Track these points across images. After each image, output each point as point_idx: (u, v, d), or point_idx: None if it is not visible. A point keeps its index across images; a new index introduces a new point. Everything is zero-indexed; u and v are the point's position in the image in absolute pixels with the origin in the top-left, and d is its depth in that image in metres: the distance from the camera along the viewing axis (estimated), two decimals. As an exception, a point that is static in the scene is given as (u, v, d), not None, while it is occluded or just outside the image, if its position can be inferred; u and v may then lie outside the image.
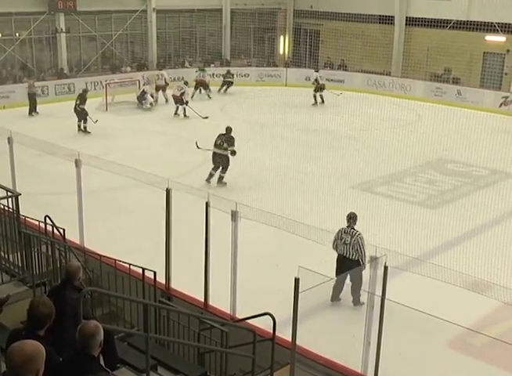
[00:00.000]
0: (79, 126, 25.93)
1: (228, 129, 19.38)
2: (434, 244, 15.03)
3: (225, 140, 19.11)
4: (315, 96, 31.42)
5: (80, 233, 13.08)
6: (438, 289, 10.99)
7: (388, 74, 36.73)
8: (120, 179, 13.63)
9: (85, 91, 27.01)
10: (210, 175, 19.29)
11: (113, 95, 30.83)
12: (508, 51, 32.52)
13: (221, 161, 19.17)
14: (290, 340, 8.59)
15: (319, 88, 31.42)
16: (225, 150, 19.12)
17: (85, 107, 25.89)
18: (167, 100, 31.00)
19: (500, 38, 32.53)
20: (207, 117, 27.83)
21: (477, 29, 32.50)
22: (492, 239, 15.15)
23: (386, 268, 8.52)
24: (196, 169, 20.95)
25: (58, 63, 34.35)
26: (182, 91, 27.17)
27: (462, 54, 33.03)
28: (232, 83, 35.08)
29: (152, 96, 30.97)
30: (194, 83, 32.91)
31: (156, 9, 36.90)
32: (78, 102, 25.91)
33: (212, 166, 19.35)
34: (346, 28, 36.61)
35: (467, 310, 11.44)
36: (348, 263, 11.77)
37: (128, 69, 36.18)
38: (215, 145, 19.19)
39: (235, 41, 41.02)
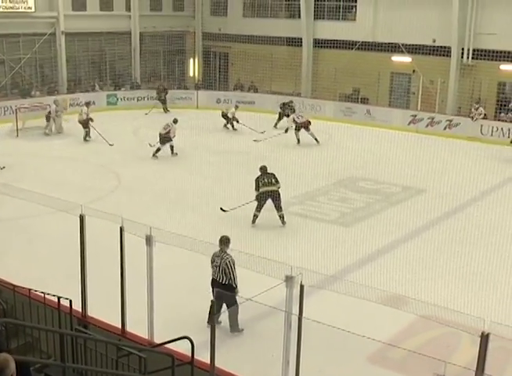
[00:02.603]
0: None
1: (266, 167, 18.46)
2: (349, 261, 15.24)
3: (273, 177, 18.17)
4: (296, 135, 28.56)
5: (-9, 263, 12.82)
6: (355, 305, 11.16)
7: (298, 94, 37.22)
8: (32, 207, 13.38)
9: None
10: (256, 217, 18.15)
11: (23, 120, 30.26)
12: (414, 71, 33.38)
13: (276, 198, 18.01)
14: (208, 362, 8.59)
15: (300, 126, 28.51)
16: (278, 186, 18.12)
17: None
18: (87, 134, 29.04)
19: (406, 59, 33.42)
20: (112, 144, 27.57)
21: (383, 50, 33.41)
22: (405, 254, 15.52)
23: (302, 286, 8.59)
24: (109, 194, 20.80)
25: (-35, 88, 33.65)
26: (168, 129, 25.96)
27: (369, 74, 33.80)
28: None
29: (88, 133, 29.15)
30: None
31: (64, 32, 36.48)
32: None
33: (257, 208, 18.12)
34: (255, 50, 37.05)
35: (385, 325, 11.65)
36: (220, 287, 11.68)
37: (38, 93, 35.62)
38: (266, 184, 17.96)
39: (145, 64, 40.93)
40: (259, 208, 18.04)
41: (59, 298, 9.92)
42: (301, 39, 37.25)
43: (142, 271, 10.41)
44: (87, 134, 28.65)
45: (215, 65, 42.19)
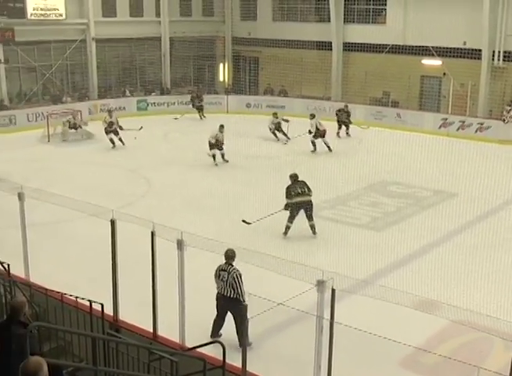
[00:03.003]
0: None
1: (297, 175, 17.91)
2: (380, 266, 15.14)
3: (305, 186, 17.57)
4: (313, 143, 27.74)
5: (25, 267, 12.91)
6: (387, 310, 11.05)
7: (328, 98, 37.18)
8: (64, 211, 13.46)
9: None
10: (288, 228, 17.51)
11: (54, 126, 30.51)
12: (444, 74, 33.15)
13: (309, 208, 17.41)
14: (240, 367, 8.57)
15: (320, 134, 27.65)
16: (311, 195, 17.57)
17: None
18: (123, 143, 28.64)
19: (436, 62, 33.21)
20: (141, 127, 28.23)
21: (413, 53, 33.25)
22: (437, 258, 15.39)
23: (333, 291, 8.57)
24: (140, 199, 20.89)
25: (-3, 94, 33.98)
26: (217, 137, 25.30)
27: (400, 78, 33.63)
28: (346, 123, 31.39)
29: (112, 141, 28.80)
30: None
31: (95, 38, 36.80)
32: None
33: (289, 219, 17.48)
34: (284, 54, 37.05)
35: (417, 330, 11.56)
36: (227, 301, 11.48)
37: (69, 99, 35.91)
38: (299, 194, 17.33)
39: (175, 69, 41.08)
40: (292, 219, 17.42)
41: (90, 302, 9.97)
42: (331, 43, 37.19)
43: (173, 275, 10.43)
44: (111, 141, 28.48)
45: (245, 69, 42.26)
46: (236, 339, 10.99)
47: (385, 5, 35.75)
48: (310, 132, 27.74)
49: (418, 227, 17.88)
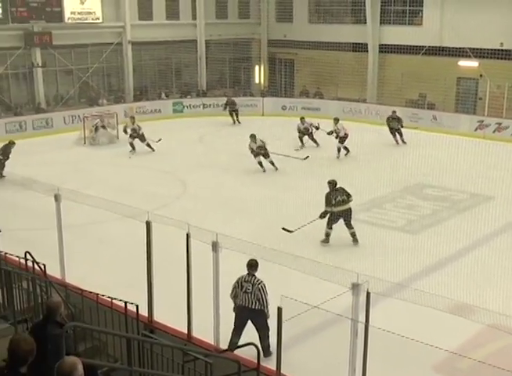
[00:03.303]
0: None
1: (335, 181, 17.41)
2: (415, 269, 15.03)
3: (344, 193, 17.23)
4: (340, 148, 27.17)
5: (61, 268, 13.03)
6: (422, 314, 11.00)
7: (364, 100, 37.05)
8: (99, 213, 13.57)
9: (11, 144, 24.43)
10: (329, 235, 17.24)
11: (90, 128, 30.76)
12: (481, 76, 32.86)
13: (347, 216, 17.11)
14: (274, 369, 8.57)
15: (344, 139, 27.13)
16: (351, 200, 17.26)
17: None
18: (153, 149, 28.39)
19: (473, 63, 32.93)
20: (160, 139, 28.10)
21: (450, 54, 32.95)
22: (473, 262, 15.22)
23: (368, 294, 8.53)
24: (175, 201, 20.98)
25: (35, 97, 34.35)
26: (251, 146, 24.66)
27: (436, 79, 33.35)
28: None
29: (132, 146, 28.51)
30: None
31: (131, 41, 37.08)
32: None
33: (328, 225, 17.17)
34: (320, 56, 36.91)
35: (452, 334, 11.46)
36: (250, 313, 11.19)
37: (105, 102, 36.20)
38: (339, 202, 16.98)
39: (210, 71, 41.20)
40: (331, 225, 17.12)
41: (125, 303, 10.03)
42: (367, 45, 37.08)
43: (208, 277, 10.45)
44: (131, 145, 28.29)
45: (281, 72, 42.26)
46: (274, 340, 10.90)
47: (422, 6, 35.56)
48: (337, 137, 27.32)
49: (454, 230, 17.71)
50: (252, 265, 11.38)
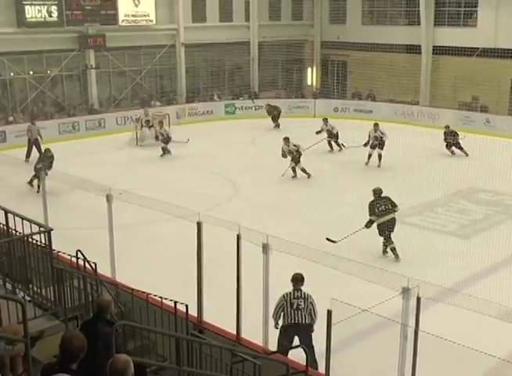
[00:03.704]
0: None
1: (381, 190, 16.80)
2: (467, 274, 14.89)
3: (389, 202, 16.59)
4: (380, 156, 26.22)
5: (111, 267, 13.14)
6: (472, 320, 10.87)
7: (416, 103, 36.74)
8: (150, 213, 13.69)
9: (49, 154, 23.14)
10: (387, 246, 16.55)
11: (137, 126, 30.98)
12: (536, 78, 32.39)
13: (391, 226, 16.47)
14: (323, 372, 8.53)
15: (378, 145, 26.20)
16: (396, 210, 16.63)
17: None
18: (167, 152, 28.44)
19: (528, 65, 32.45)
20: (188, 140, 28.27)
21: (504, 56, 32.50)
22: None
23: (419, 299, 8.46)
24: (226, 202, 21.04)
25: (88, 98, 34.83)
26: (283, 150, 24.43)
27: (489, 82, 32.92)
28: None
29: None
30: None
31: (184, 43, 37.32)
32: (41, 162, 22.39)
33: (382, 238, 16.58)
34: (373, 58, 36.78)
35: (503, 341, 11.30)
36: (300, 329, 10.77)
37: (158, 103, 36.50)
38: (383, 212, 16.42)
39: (263, 73, 41.26)
40: (387, 239, 16.41)
41: (175, 302, 10.06)
42: (420, 46, 36.74)
43: (258, 278, 10.45)
44: (165, 150, 28.19)
45: (333, 73, 42.10)
46: (323, 343, 10.81)
47: (476, 7, 35.16)
48: (380, 143, 26.35)
49: (506, 235, 17.42)
50: (299, 280, 11.03)
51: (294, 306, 10.78)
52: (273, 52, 40.88)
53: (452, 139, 28.37)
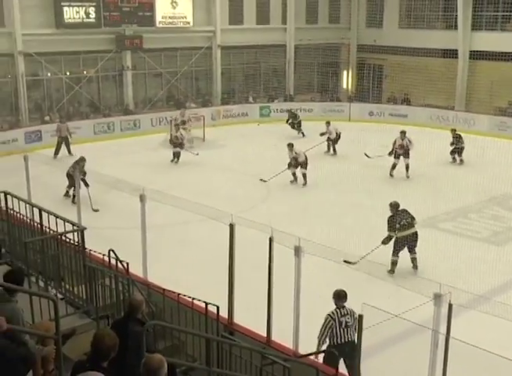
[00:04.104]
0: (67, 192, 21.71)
1: (398, 203, 16.14)
2: (499, 282, 14.75)
3: (409, 215, 15.92)
4: (408, 166, 25.07)
5: (143, 266, 13.22)
6: (504, 328, 10.77)
7: (452, 108, 36.45)
8: (183, 214, 13.76)
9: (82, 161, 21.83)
10: (395, 264, 15.70)
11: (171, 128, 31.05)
12: None
13: (413, 239, 15.80)
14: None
15: (401, 154, 25.25)
16: (415, 223, 15.98)
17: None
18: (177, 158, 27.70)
19: None
20: (197, 154, 27.72)
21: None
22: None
23: (450, 306, 8.40)
24: (259, 204, 21.05)
25: (124, 99, 35.07)
26: (295, 155, 24.00)
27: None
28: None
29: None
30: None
31: (220, 45, 37.43)
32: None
33: (394, 253, 15.77)
34: (409, 62, 36.54)
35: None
36: (349, 346, 10.19)
37: (193, 105, 36.63)
38: (405, 227, 15.74)
39: (298, 76, 41.24)
40: (397, 253, 15.73)
41: (206, 303, 10.10)
42: (457, 51, 36.47)
43: (289, 281, 10.44)
44: (176, 155, 27.48)
45: (369, 77, 41.92)
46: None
47: (514, 11, 34.80)
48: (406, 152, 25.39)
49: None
50: (342, 296, 10.59)
51: (343, 325, 10.37)
52: (309, 55, 40.84)
53: (461, 144, 27.51)
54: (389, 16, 40.40)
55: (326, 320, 10.46)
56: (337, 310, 10.45)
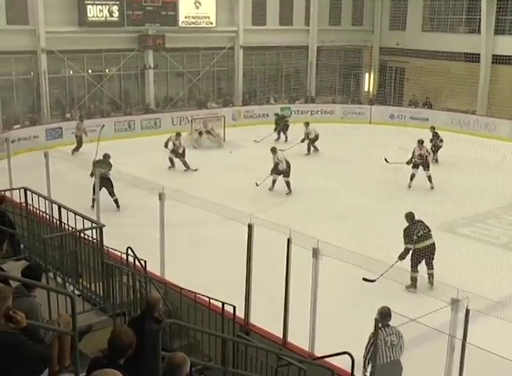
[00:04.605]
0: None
1: (413, 214, 15.50)
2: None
3: (425, 226, 15.31)
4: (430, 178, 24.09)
5: (161, 265, 13.23)
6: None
7: (473, 112, 36.26)
8: (202, 213, 13.76)
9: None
10: (415, 280, 14.99)
11: (194, 132, 31.12)
12: None
13: (431, 252, 15.17)
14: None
15: (421, 165, 24.23)
16: (431, 235, 15.38)
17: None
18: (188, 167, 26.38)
19: None
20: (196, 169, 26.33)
21: None
22: None
23: (468, 311, 8.36)
24: (278, 205, 21.03)
25: (145, 98, 35.20)
26: (276, 161, 23.27)
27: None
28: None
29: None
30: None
31: (243, 46, 37.46)
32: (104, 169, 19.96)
33: (413, 268, 15.11)
34: (431, 66, 36.46)
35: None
36: (397, 366, 9.83)
37: (214, 105, 36.69)
38: (423, 238, 15.11)
39: (320, 78, 41.21)
40: (415, 267, 15.08)
41: (223, 303, 10.11)
42: (479, 55, 36.29)
43: (307, 282, 10.42)
44: (170, 161, 26.36)
45: (391, 80, 41.81)
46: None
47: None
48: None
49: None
50: (388, 315, 9.83)
51: (389, 344, 9.80)
52: (331, 56, 40.78)
53: (440, 143, 27.51)
54: (412, 19, 40.32)
55: (371, 341, 9.72)
56: (384, 329, 9.82)
